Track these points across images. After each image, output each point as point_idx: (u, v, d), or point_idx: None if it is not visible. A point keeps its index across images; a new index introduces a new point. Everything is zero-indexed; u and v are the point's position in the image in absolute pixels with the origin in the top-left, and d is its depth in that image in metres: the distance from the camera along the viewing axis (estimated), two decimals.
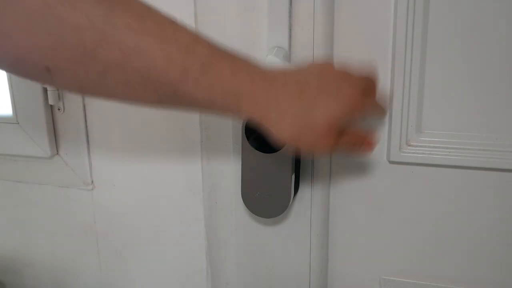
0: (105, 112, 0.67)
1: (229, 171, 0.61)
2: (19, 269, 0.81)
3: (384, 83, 0.54)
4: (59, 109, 0.69)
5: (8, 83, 0.70)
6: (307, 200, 0.59)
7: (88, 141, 0.69)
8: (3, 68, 0.32)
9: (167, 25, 0.33)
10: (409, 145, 0.55)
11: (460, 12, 0.50)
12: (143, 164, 0.67)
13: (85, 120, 0.68)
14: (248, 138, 0.53)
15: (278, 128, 0.38)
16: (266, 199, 0.55)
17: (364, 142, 0.44)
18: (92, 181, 0.71)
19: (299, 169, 0.57)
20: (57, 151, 0.71)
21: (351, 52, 0.54)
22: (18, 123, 0.71)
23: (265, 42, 0.54)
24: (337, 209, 0.60)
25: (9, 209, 0.78)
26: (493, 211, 0.55)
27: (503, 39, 0.50)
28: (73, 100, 0.67)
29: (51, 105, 0.69)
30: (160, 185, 0.67)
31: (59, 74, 0.32)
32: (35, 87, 0.68)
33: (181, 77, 0.33)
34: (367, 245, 0.61)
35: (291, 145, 0.39)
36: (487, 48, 0.50)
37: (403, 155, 0.55)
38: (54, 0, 0.29)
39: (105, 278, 0.75)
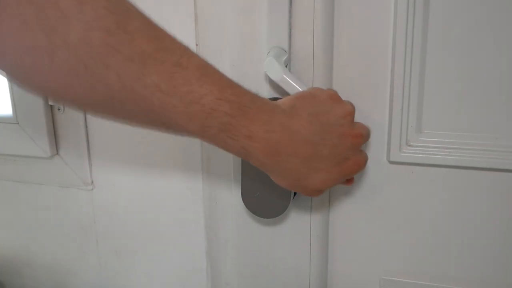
0: None
1: (229, 171, 0.61)
2: (19, 269, 0.81)
3: (384, 83, 0.54)
4: (59, 109, 0.69)
5: (8, 83, 0.69)
6: (307, 200, 0.59)
7: (88, 141, 0.69)
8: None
9: (195, 83, 0.35)
10: (409, 145, 0.55)
11: (460, 11, 0.50)
12: (143, 164, 0.67)
13: (85, 120, 0.68)
14: None
15: (276, 179, 0.45)
16: (266, 199, 0.55)
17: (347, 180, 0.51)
18: (92, 181, 0.71)
19: None
20: (57, 151, 0.71)
21: (351, 52, 0.54)
22: (18, 123, 0.71)
23: (265, 42, 0.54)
24: (337, 209, 0.60)
25: (9, 209, 0.78)
26: (493, 211, 0.55)
27: (503, 39, 0.49)
28: None
29: (51, 105, 0.69)
30: (160, 184, 0.67)
31: (91, 111, 0.36)
32: None
33: (199, 132, 0.37)
34: (367, 245, 0.60)
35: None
36: (487, 47, 0.50)
37: (403, 155, 0.55)
38: (89, 59, 0.31)
39: (105, 278, 0.75)
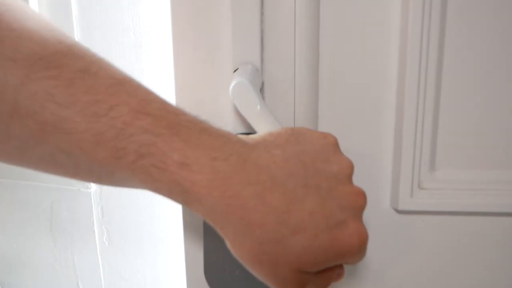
0: None
1: None
2: (18, 269, 0.81)
3: (388, 109, 0.41)
4: None
5: None
6: None
7: None
8: None
9: (103, 92, 0.26)
10: (422, 188, 0.42)
11: (477, 38, 0.39)
12: None
13: None
14: None
15: (235, 247, 0.28)
16: (239, 278, 0.39)
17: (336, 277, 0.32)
18: None
19: None
20: None
21: (344, 70, 0.41)
22: None
23: (230, 57, 0.39)
24: None
25: (9, 209, 0.78)
26: None
27: None
28: None
29: None
30: None
31: None
32: None
33: (111, 161, 0.26)
34: None
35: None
36: (509, 78, 0.40)
37: (416, 202, 0.42)
38: None
39: (105, 278, 0.74)
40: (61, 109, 0.25)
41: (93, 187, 0.71)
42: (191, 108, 0.38)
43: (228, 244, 0.28)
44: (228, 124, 0.39)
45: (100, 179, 0.29)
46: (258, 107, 0.35)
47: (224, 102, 0.39)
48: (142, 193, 0.66)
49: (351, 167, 0.32)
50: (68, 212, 0.74)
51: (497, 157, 0.42)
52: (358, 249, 0.30)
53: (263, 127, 0.35)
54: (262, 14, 0.38)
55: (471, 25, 0.39)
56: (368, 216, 0.44)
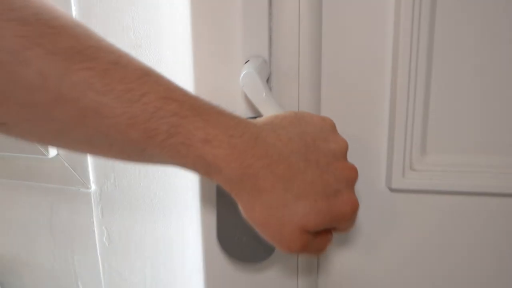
0: None
1: None
2: (19, 269, 0.81)
3: (382, 97, 0.46)
4: None
5: None
6: None
7: None
8: None
9: (134, 81, 0.29)
10: (413, 170, 0.47)
11: (467, 28, 0.43)
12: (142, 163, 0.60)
13: None
14: None
15: (247, 210, 0.34)
16: (248, 241, 0.45)
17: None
18: (92, 181, 0.69)
19: None
20: (57, 151, 0.70)
21: (343, 62, 0.46)
22: None
23: (241, 50, 0.44)
24: (328, 251, 0.51)
25: (9, 209, 0.78)
26: (508, 242, 0.47)
27: None
28: None
29: None
30: (160, 184, 0.64)
31: (15, 129, 0.30)
32: None
33: (145, 140, 0.30)
34: (365, 285, 0.52)
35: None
36: (496, 64, 0.44)
37: (407, 181, 0.47)
38: (6, 56, 0.26)
39: (105, 278, 0.74)
40: (100, 96, 0.28)
41: (93, 187, 0.70)
42: (208, 94, 0.44)
43: (241, 208, 0.34)
44: (239, 109, 0.45)
45: (130, 157, 0.33)
46: (264, 94, 0.40)
47: (236, 90, 0.45)
48: (142, 193, 0.67)
49: (346, 146, 0.37)
50: (68, 212, 0.73)
51: (484, 143, 0.46)
52: (350, 215, 0.35)
53: (268, 111, 0.41)
54: (270, 13, 0.43)
55: (461, 12, 0.43)
56: (366, 193, 0.49)
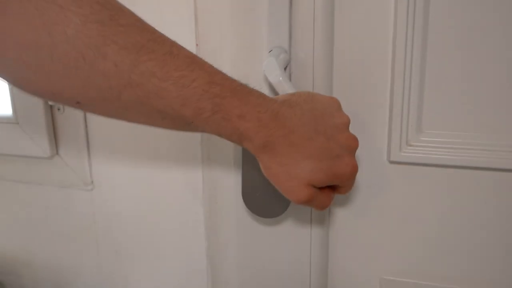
0: None
1: (230, 171, 0.61)
2: (19, 269, 0.80)
3: (384, 83, 0.54)
4: (59, 109, 0.69)
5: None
6: None
7: (88, 141, 0.69)
8: (41, 98, 0.45)
9: (185, 69, 0.36)
10: (409, 145, 0.55)
11: (461, 10, 0.50)
12: (143, 164, 0.67)
13: (85, 120, 0.68)
14: None
15: (266, 168, 0.43)
16: (266, 199, 0.55)
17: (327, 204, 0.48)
18: (92, 181, 0.70)
19: None
20: (57, 151, 0.71)
21: (351, 52, 0.54)
22: (18, 123, 0.71)
23: (265, 42, 0.54)
24: (337, 209, 0.60)
25: (9, 209, 0.77)
26: (494, 211, 0.55)
27: (505, 38, 0.49)
28: None
29: (51, 105, 0.69)
30: (160, 184, 0.67)
31: (88, 106, 0.37)
32: None
33: (194, 116, 0.38)
34: (368, 245, 0.60)
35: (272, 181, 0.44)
36: (489, 46, 0.50)
37: (403, 155, 0.55)
38: (87, 50, 0.32)
39: (104, 278, 0.75)
40: (161, 82, 0.35)
41: (93, 187, 0.71)
42: (239, 78, 0.54)
43: (262, 167, 0.44)
44: (262, 88, 0.55)
45: (177, 127, 0.40)
46: (280, 78, 0.50)
47: (261, 73, 0.55)
48: (142, 194, 0.68)
49: (348, 121, 0.47)
50: (68, 212, 0.73)
51: (473, 122, 0.53)
52: (350, 175, 0.45)
53: (283, 91, 0.50)
54: (290, 12, 0.53)
55: None
56: (369, 164, 0.57)
